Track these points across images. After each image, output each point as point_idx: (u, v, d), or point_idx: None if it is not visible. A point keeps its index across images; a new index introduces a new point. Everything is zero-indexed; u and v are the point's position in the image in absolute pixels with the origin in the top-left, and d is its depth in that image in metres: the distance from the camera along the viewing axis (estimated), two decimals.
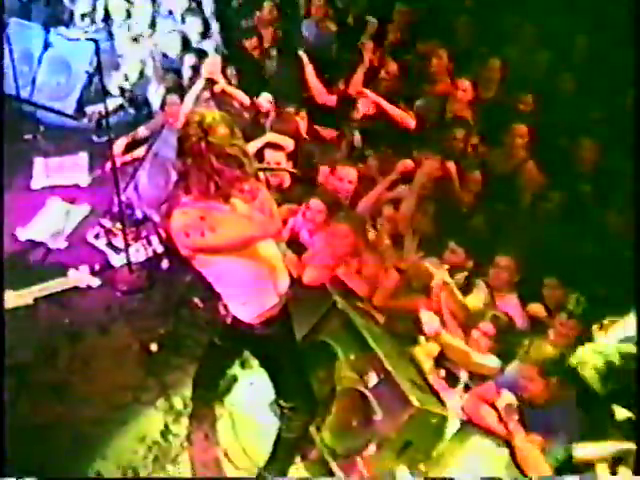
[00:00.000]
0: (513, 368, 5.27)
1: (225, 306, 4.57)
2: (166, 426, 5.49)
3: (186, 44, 8.66)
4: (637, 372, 4.94)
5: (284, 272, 4.60)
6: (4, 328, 5.22)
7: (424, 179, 6.58)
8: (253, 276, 4.40)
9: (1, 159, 6.45)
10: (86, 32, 8.54)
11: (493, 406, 5.13)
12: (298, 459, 5.22)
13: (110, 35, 8.82)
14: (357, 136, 7.51)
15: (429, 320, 5.51)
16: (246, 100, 7.80)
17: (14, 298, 6.23)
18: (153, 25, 8.94)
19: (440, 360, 5.55)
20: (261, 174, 4.67)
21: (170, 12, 8.95)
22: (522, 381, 5.05)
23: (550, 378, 4.95)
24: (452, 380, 5.46)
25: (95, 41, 6.51)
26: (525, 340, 5.35)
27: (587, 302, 5.48)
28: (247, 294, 4.45)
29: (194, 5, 8.94)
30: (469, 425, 5.15)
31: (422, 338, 5.61)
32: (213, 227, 4.14)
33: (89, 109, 8.13)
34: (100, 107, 7.32)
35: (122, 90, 8.62)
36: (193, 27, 8.74)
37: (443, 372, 5.51)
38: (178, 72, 8.40)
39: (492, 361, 5.44)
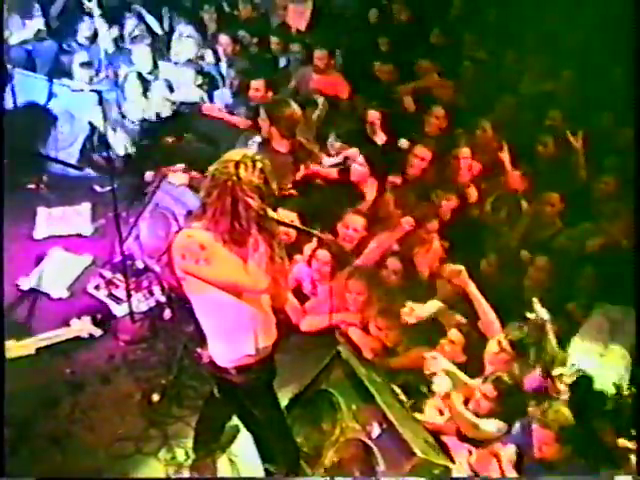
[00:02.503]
0: (521, 428, 5.22)
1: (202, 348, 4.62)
2: (168, 477, 5.43)
3: None
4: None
5: (270, 329, 4.59)
6: (4, 378, 5.22)
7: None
8: (235, 319, 4.40)
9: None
10: (90, 82, 8.61)
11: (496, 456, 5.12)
12: None
13: (116, 84, 8.89)
14: None
15: (440, 381, 5.48)
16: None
17: (16, 348, 6.20)
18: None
19: None
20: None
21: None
22: (537, 443, 4.99)
23: (566, 445, 4.92)
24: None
25: (99, 92, 6.59)
26: (530, 401, 5.30)
27: None
28: (225, 334, 4.46)
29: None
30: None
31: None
32: (209, 260, 4.18)
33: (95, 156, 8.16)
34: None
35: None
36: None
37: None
38: None
39: (492, 427, 5.33)
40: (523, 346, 5.60)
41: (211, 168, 4.23)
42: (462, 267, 5.93)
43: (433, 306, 6.02)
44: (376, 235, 6.84)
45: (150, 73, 8.86)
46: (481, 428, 5.28)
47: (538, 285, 6.23)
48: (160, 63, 9.04)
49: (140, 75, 8.68)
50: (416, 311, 5.93)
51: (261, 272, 4.32)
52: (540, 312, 5.48)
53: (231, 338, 4.46)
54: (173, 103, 8.59)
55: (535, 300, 5.52)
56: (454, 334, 5.82)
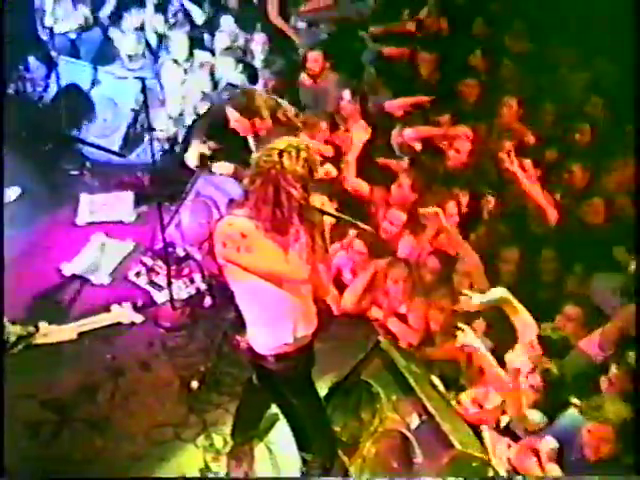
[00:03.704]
0: (571, 424, 5.08)
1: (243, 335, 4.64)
2: (206, 464, 5.47)
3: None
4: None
5: (310, 318, 4.58)
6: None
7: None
8: (275, 308, 4.40)
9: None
10: (131, 70, 8.65)
11: (535, 451, 5.03)
12: None
13: (156, 73, 8.90)
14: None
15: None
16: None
17: (58, 332, 6.32)
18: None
19: None
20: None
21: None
22: (592, 441, 4.82)
23: (623, 441, 4.77)
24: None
25: (142, 79, 6.62)
26: (573, 396, 5.19)
27: None
28: (265, 322, 4.46)
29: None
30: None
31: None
32: (250, 248, 4.19)
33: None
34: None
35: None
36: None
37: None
38: None
39: (537, 416, 5.22)
40: (552, 343, 5.54)
41: (255, 156, 4.22)
42: (438, 209, 6.10)
43: (497, 293, 5.70)
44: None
45: (187, 60, 8.81)
46: (527, 418, 5.18)
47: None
48: (198, 52, 9.00)
49: (176, 62, 8.65)
50: (474, 299, 5.65)
51: (302, 262, 4.32)
52: None
53: (270, 326, 4.46)
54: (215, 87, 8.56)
55: None
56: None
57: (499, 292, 5.57)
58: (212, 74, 8.67)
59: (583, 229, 6.55)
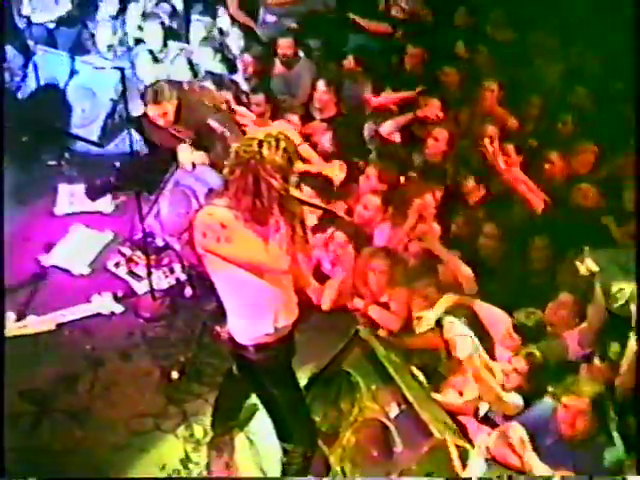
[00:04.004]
0: (547, 409, 5.14)
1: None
2: (186, 454, 5.48)
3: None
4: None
5: (291, 308, 4.60)
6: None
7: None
8: (256, 298, 4.42)
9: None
10: (107, 59, 8.66)
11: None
12: None
13: (132, 63, 8.89)
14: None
15: (463, 344, 5.46)
16: None
17: (37, 323, 6.33)
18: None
19: None
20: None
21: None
22: (567, 416, 4.91)
23: (598, 416, 4.88)
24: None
25: (121, 69, 6.61)
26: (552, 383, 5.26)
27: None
28: (245, 312, 4.48)
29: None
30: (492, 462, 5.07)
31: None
32: (230, 238, 4.20)
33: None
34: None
35: None
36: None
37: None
38: None
39: (517, 399, 5.33)
40: (528, 331, 5.65)
41: (234, 145, 4.24)
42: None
43: (440, 307, 5.96)
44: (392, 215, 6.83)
45: (161, 51, 8.84)
46: (505, 400, 5.28)
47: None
48: (172, 43, 9.01)
49: (151, 52, 8.68)
50: (424, 318, 5.93)
51: (282, 252, 4.33)
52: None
53: (251, 316, 4.48)
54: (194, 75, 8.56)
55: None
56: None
57: (446, 300, 5.88)
58: (190, 63, 8.67)
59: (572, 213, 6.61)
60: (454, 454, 4.94)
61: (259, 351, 4.56)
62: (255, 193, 4.13)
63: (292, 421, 4.84)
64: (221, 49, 8.91)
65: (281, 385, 4.76)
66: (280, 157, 4.10)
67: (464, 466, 4.95)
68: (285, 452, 4.93)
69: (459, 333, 5.51)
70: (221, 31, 9.17)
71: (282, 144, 4.12)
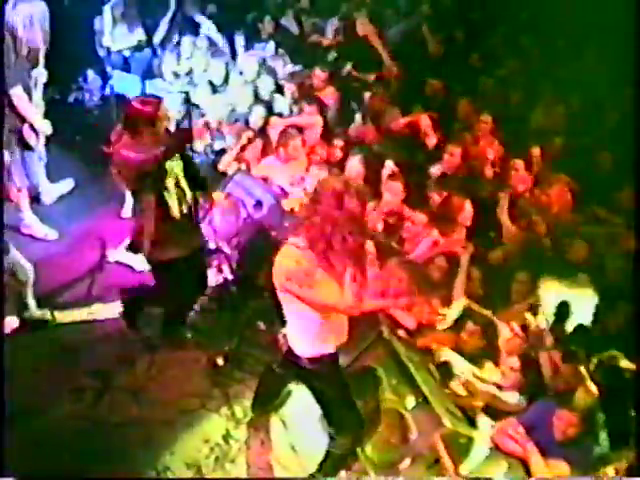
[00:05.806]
0: (543, 408, 5.51)
1: (284, 335, 5.05)
2: (227, 431, 5.86)
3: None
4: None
5: (345, 332, 4.94)
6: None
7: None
8: (320, 328, 4.74)
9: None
10: (172, 84, 9.20)
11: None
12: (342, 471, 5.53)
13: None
14: None
15: (458, 363, 5.90)
16: None
17: (103, 310, 6.82)
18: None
19: None
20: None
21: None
22: (560, 425, 5.27)
23: (589, 424, 5.24)
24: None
25: (186, 92, 7.20)
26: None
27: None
28: (308, 337, 4.80)
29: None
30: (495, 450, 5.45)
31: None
32: (312, 285, 4.42)
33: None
34: None
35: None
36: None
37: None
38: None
39: (513, 399, 5.73)
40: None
41: (315, 187, 4.52)
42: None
43: (459, 306, 6.28)
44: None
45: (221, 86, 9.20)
46: (501, 399, 5.68)
47: None
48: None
49: (211, 83, 9.05)
50: (448, 315, 6.23)
51: (357, 301, 4.54)
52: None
53: (313, 341, 4.81)
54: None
55: None
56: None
57: (461, 303, 6.21)
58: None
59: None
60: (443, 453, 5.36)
61: (313, 363, 4.91)
62: (330, 243, 4.36)
63: (341, 414, 5.11)
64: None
65: (332, 385, 5.07)
66: (356, 205, 4.32)
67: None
68: (331, 437, 5.23)
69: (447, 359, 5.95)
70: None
71: (354, 192, 4.35)
